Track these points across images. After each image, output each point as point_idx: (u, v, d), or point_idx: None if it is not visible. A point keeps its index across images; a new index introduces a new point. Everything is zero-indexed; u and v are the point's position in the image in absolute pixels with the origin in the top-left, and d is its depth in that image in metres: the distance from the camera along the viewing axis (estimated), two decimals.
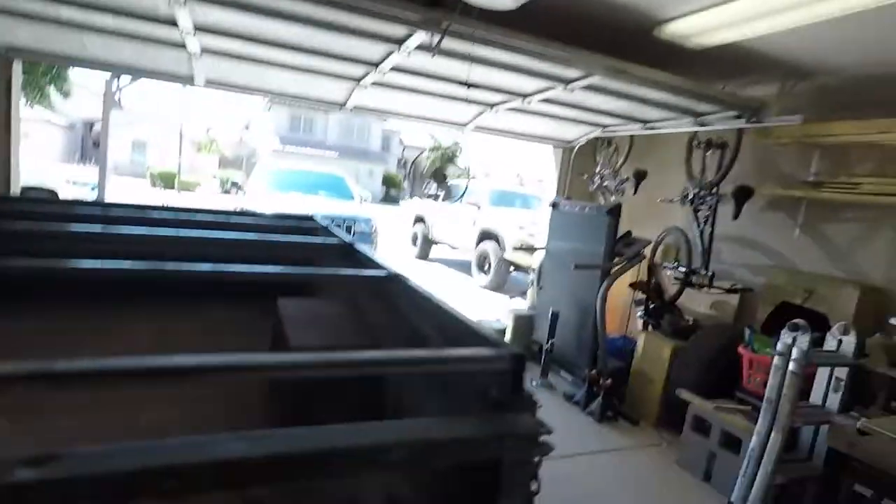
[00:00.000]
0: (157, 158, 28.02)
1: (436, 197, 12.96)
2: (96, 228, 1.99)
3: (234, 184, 8.80)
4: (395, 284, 1.51)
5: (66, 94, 14.37)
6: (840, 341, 2.87)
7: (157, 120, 29.24)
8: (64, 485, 0.57)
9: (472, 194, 9.48)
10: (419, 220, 11.86)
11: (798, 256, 4.07)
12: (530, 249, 6.92)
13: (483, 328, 1.02)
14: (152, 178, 22.30)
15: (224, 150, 33.61)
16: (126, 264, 1.49)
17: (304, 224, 2.83)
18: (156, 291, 2.98)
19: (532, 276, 6.87)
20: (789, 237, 4.14)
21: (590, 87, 3.87)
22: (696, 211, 4.48)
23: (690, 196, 4.50)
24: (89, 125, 28.95)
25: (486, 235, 9.23)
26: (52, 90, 13.66)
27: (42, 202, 2.99)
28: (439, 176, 5.54)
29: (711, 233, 4.31)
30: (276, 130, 28.68)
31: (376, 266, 1.71)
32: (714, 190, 4.32)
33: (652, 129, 4.88)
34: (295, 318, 1.87)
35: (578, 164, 6.14)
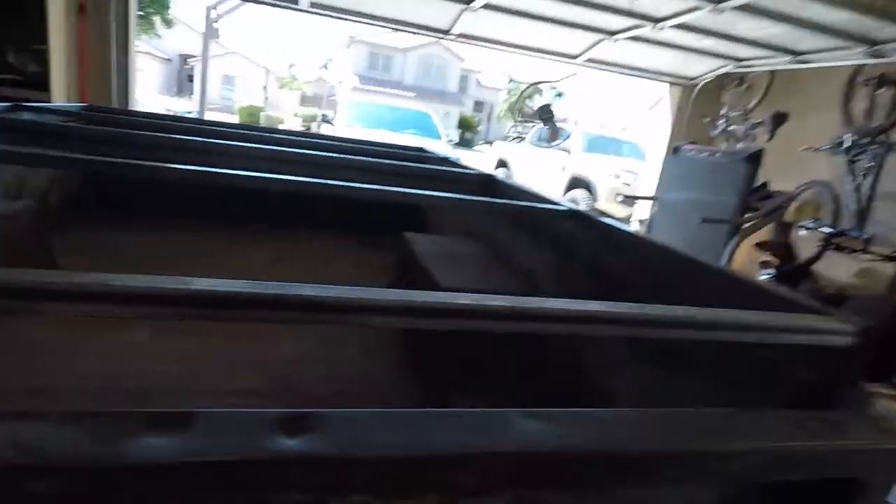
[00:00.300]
0: (244, 94, 28.91)
1: (520, 139, 12.41)
2: (215, 142, 1.85)
3: (325, 117, 8.67)
4: (577, 223, 1.25)
5: (168, 24, 14.78)
6: None
7: (245, 55, 29.95)
8: (327, 465, 0.39)
9: (565, 139, 8.89)
10: (502, 164, 11.39)
11: None
12: (631, 199, 6.41)
13: (778, 288, 0.75)
14: (241, 114, 23.05)
15: (304, 87, 34.05)
16: (247, 174, 1.33)
17: (421, 154, 2.61)
18: (271, 213, 2.90)
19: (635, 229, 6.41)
20: None
21: (745, 8, 3.28)
22: (852, 162, 3.84)
23: (847, 144, 3.85)
24: (184, 59, 30.13)
25: (576, 183, 8.69)
26: (158, 20, 14.08)
27: (165, 117, 2.97)
28: (545, 113, 5.09)
29: (872, 188, 3.68)
30: (354, 69, 28.50)
31: (543, 200, 1.45)
32: (882, 137, 3.65)
33: (804, 62, 4.18)
34: (434, 256, 1.68)
35: (698, 105, 5.47)
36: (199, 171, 1.26)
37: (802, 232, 4.19)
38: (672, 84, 5.51)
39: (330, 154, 2.04)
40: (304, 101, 32.25)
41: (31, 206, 1.95)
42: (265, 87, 21.54)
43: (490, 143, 25.12)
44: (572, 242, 1.24)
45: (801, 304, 0.70)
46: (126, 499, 0.35)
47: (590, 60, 4.99)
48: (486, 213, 1.79)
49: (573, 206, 1.28)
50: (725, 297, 0.82)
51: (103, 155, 1.30)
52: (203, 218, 3.01)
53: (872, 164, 3.67)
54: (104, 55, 4.26)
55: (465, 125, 30.39)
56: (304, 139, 2.62)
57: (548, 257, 1.36)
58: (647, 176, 6.74)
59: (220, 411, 0.41)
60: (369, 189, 1.41)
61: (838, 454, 0.56)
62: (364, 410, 0.43)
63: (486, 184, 1.83)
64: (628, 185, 7.66)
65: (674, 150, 4.39)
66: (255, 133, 2.79)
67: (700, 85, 5.22)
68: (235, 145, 1.92)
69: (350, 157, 2.05)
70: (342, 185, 1.38)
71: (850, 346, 0.63)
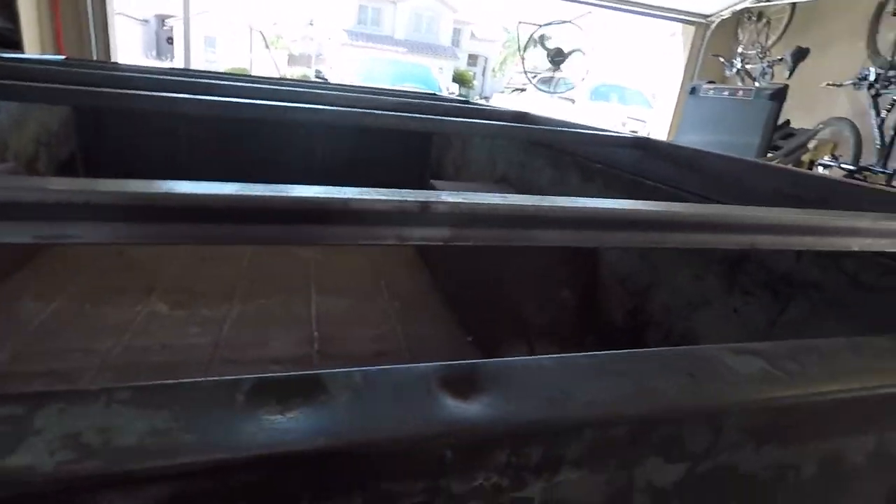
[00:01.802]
0: (226, 55, 27.86)
1: (521, 91, 12.04)
2: (215, 82, 1.67)
3: (319, 74, 8.29)
4: (646, 152, 1.12)
5: None
6: None
7: (225, 14, 28.74)
8: (524, 435, 0.27)
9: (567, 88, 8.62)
10: None
11: None
12: None
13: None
14: None
15: (290, 46, 32.86)
16: (264, 102, 1.17)
17: (437, 96, 2.45)
18: (276, 161, 2.72)
19: None
20: None
21: None
22: (877, 96, 3.67)
23: (872, 78, 3.68)
24: (161, 20, 28.87)
25: None
26: None
27: (151, 68, 2.75)
28: (559, 56, 4.84)
29: None
30: (342, 25, 27.42)
31: (593, 128, 1.32)
32: None
33: None
34: None
35: (713, 44, 5.24)
36: (205, 99, 1.08)
37: (821, 170, 4.08)
38: (686, 23, 5.25)
39: (347, 94, 1.86)
40: (292, 60, 31.16)
41: (14, 168, 1.80)
42: (252, 47, 20.71)
43: (486, 98, 24.47)
44: (640, 175, 1.12)
45: None
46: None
47: None
48: (524, 152, 1.65)
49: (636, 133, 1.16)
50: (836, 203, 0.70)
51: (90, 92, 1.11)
52: (201, 171, 2.84)
53: None
54: (78, 8, 3.97)
55: (460, 80, 29.55)
56: (308, 85, 2.43)
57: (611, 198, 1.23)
58: (655, 122, 6.54)
59: (352, 371, 0.29)
60: (404, 117, 1.22)
61: None
62: (543, 357, 0.32)
63: (521, 118, 1.69)
64: (635, 132, 7.49)
65: (691, 91, 4.21)
66: (257, 78, 2.60)
67: (716, 22, 4.96)
68: (239, 85, 1.73)
69: (368, 95, 1.88)
70: (372, 113, 1.20)
71: None
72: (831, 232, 0.50)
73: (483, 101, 3.77)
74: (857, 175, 3.65)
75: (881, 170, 3.57)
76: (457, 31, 30.86)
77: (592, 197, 1.32)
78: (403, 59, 9.61)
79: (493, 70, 31.26)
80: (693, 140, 4.21)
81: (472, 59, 32.00)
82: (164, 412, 0.25)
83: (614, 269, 1.21)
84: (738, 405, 0.32)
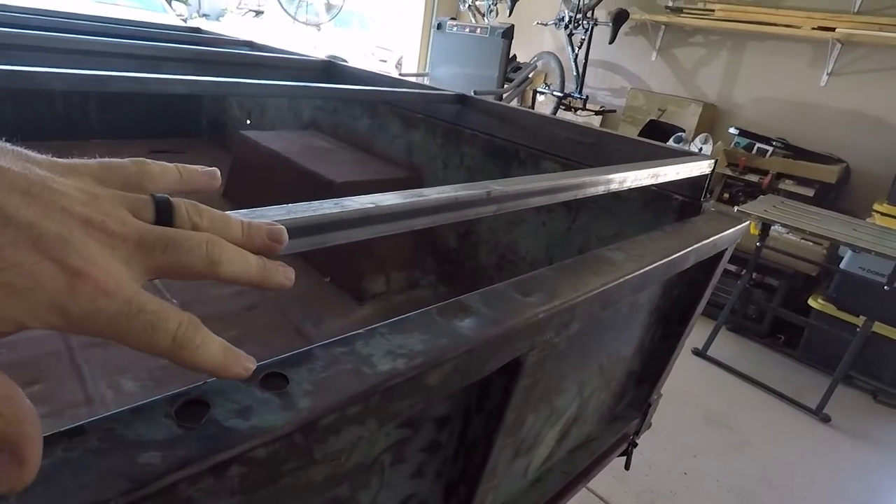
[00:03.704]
0: None
1: (257, 13, 10.97)
2: None
3: None
4: (465, 107, 1.38)
5: None
6: (701, 149, 3.54)
7: None
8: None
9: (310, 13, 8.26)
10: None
11: (653, 79, 4.65)
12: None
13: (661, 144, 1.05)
14: None
15: None
16: None
17: (204, 37, 2.27)
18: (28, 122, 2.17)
19: None
20: (647, 61, 4.64)
21: None
22: (570, 35, 4.67)
23: (566, 20, 4.64)
24: None
25: None
26: None
27: None
28: None
29: (586, 57, 4.59)
30: None
31: (409, 84, 1.51)
32: (590, 14, 4.50)
33: None
34: (301, 152, 1.61)
35: None
36: None
37: (540, 98, 5.07)
38: None
39: (98, 38, 1.61)
40: None
41: None
42: None
43: (205, 16, 21.29)
44: (460, 125, 1.39)
45: (674, 150, 1.04)
46: None
47: None
48: (335, 99, 1.74)
49: (456, 91, 1.39)
50: (625, 154, 1.11)
51: None
52: None
53: (585, 36, 4.53)
54: None
55: None
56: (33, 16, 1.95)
57: (434, 147, 1.47)
58: (403, 52, 6.91)
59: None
60: (187, 81, 1.14)
61: (714, 241, 0.92)
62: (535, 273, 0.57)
63: (328, 69, 1.75)
64: (384, 61, 7.75)
65: (437, 26, 4.62)
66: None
67: None
68: None
69: (124, 41, 1.66)
70: (136, 77, 1.06)
71: (710, 172, 0.99)
72: (593, 184, 0.83)
73: (267, 42, 3.47)
74: (563, 101, 4.67)
75: (578, 95, 4.64)
76: None
77: (418, 142, 1.54)
78: None
79: None
80: (445, 72, 4.70)
81: None
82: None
83: None
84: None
